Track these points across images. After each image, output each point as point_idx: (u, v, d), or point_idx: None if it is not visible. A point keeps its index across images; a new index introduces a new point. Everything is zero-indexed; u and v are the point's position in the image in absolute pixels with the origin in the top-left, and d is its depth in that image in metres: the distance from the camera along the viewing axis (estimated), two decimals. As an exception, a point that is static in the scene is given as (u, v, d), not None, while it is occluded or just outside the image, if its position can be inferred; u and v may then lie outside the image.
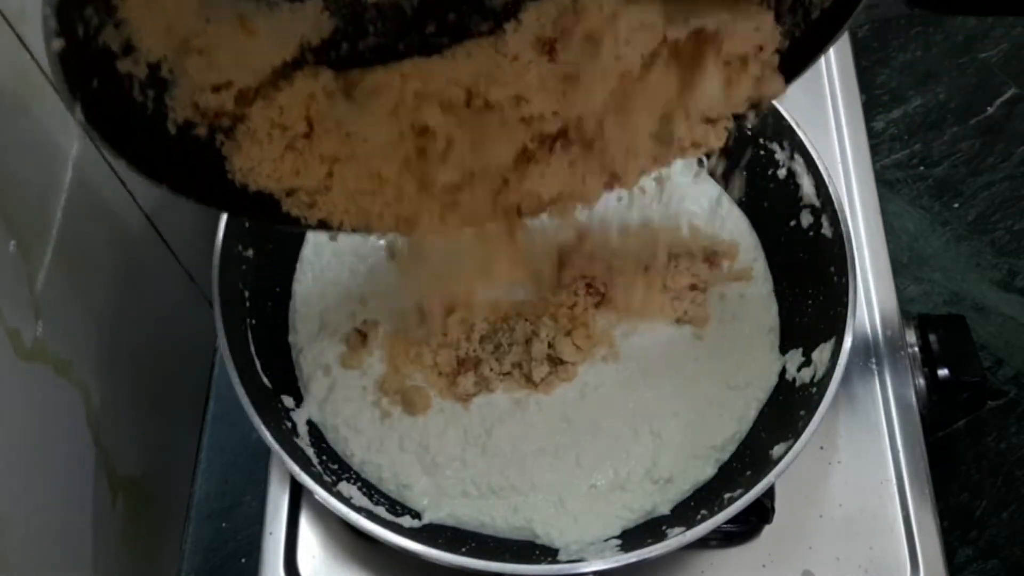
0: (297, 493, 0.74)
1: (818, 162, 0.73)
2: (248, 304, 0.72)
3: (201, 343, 0.89)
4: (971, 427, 1.27)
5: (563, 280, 0.74)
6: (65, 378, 0.69)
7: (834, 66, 0.96)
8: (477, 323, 0.73)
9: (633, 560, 0.60)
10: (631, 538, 0.66)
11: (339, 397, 0.72)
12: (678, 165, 0.74)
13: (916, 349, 0.81)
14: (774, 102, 0.75)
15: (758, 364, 0.74)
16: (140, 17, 0.42)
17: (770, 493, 0.70)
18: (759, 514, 0.70)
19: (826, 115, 0.93)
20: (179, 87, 0.46)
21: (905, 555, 0.73)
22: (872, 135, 1.12)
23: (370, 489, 0.69)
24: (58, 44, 0.40)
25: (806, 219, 0.75)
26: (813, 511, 0.74)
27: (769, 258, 0.80)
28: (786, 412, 0.69)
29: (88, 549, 0.71)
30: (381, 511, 0.66)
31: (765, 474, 0.62)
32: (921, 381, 0.79)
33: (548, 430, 0.71)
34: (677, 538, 0.60)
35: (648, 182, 0.63)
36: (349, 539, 0.72)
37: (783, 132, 0.76)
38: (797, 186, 0.76)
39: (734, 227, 0.80)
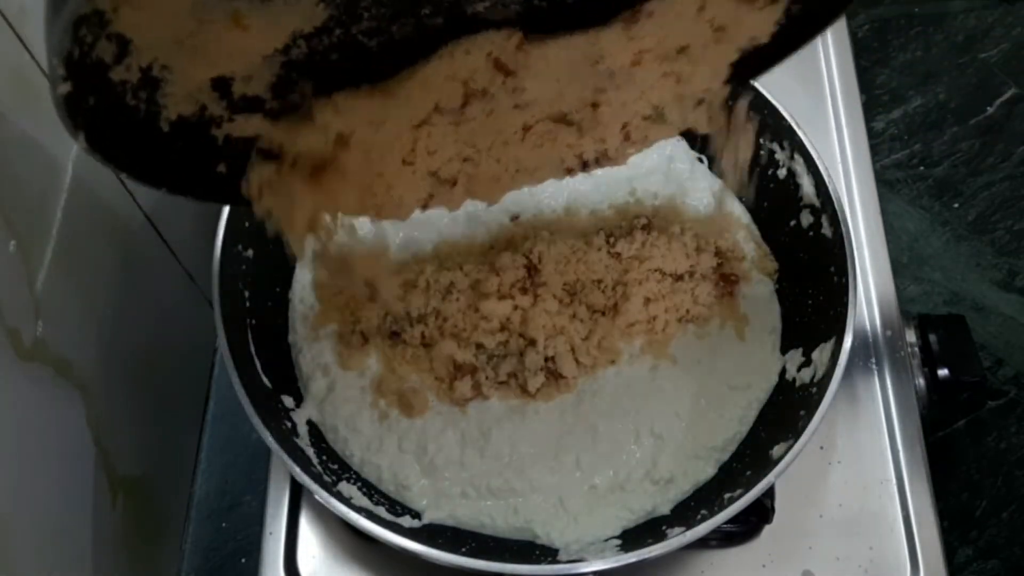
0: (297, 493, 0.74)
1: (818, 162, 0.73)
2: (248, 304, 0.72)
3: (201, 343, 0.89)
4: (971, 427, 1.27)
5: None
6: (65, 378, 0.69)
7: (834, 66, 0.96)
8: (439, 280, 0.73)
9: (633, 560, 0.60)
10: (631, 538, 0.66)
11: (338, 398, 0.72)
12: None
13: (916, 349, 0.81)
14: (774, 102, 0.76)
15: (759, 364, 0.74)
16: (133, 27, 0.42)
17: (770, 493, 0.70)
18: (759, 514, 0.70)
19: (826, 115, 0.94)
20: (170, 84, 0.47)
21: (905, 555, 0.73)
22: (872, 135, 1.12)
23: (370, 489, 0.69)
24: (65, 88, 0.41)
25: (806, 219, 0.75)
26: (813, 511, 0.74)
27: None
28: (786, 412, 0.69)
29: (88, 549, 0.71)
30: (381, 511, 0.66)
31: (765, 474, 0.62)
32: (921, 381, 0.79)
33: (547, 432, 0.71)
34: (677, 538, 0.60)
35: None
36: (349, 539, 0.72)
37: (783, 132, 0.76)
38: (797, 186, 0.76)
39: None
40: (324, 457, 0.70)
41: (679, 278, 0.75)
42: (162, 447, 0.87)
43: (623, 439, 0.70)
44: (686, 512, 0.67)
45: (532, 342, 0.72)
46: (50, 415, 0.67)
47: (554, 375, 0.72)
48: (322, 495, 0.62)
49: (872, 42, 1.56)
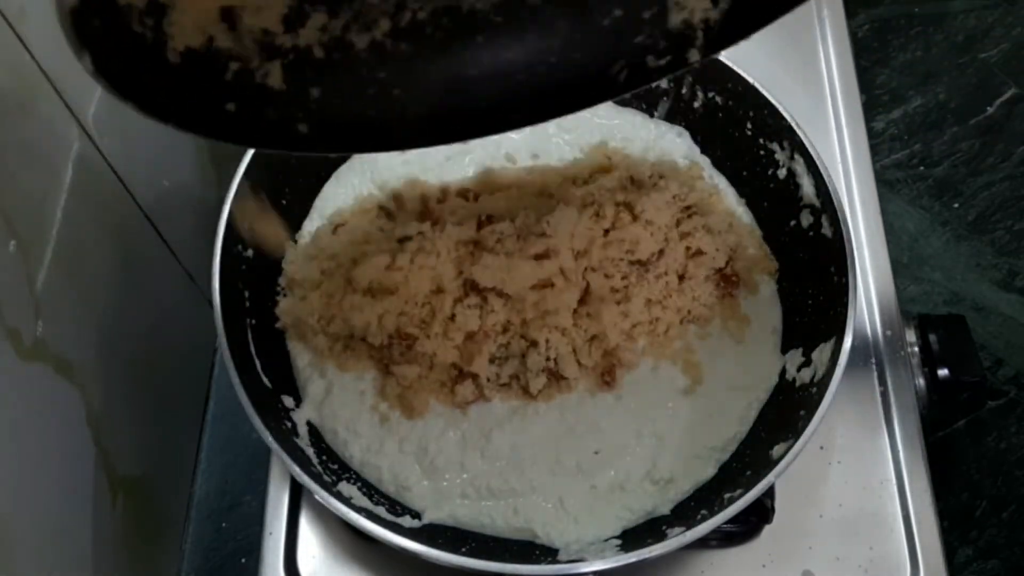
0: (297, 493, 0.74)
1: (818, 162, 0.73)
2: (248, 304, 0.72)
3: (201, 343, 0.89)
4: (971, 427, 1.27)
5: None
6: (65, 378, 0.69)
7: (834, 66, 0.96)
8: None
9: (633, 560, 0.60)
10: (631, 538, 0.66)
11: (337, 400, 0.72)
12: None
13: (916, 349, 0.81)
14: (774, 102, 0.76)
15: (760, 364, 0.74)
16: None
17: (770, 493, 0.70)
18: (759, 514, 0.70)
19: (826, 115, 0.93)
20: (177, 12, 0.46)
21: (905, 555, 0.73)
22: (872, 135, 1.12)
23: (370, 489, 0.69)
24: (72, 1, 0.40)
25: (806, 219, 0.75)
26: (813, 511, 0.74)
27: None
28: (786, 412, 0.69)
29: (88, 549, 0.71)
30: (381, 511, 0.66)
31: (765, 474, 0.62)
32: (921, 381, 0.79)
33: (547, 433, 0.71)
34: (677, 538, 0.60)
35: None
36: (349, 539, 0.72)
37: (783, 132, 0.76)
38: (797, 186, 0.76)
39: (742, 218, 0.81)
40: (324, 457, 0.70)
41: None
42: (162, 447, 0.87)
43: (623, 439, 0.70)
44: (686, 512, 0.67)
45: (534, 343, 0.72)
46: (50, 415, 0.67)
47: (555, 376, 0.72)
48: (322, 495, 0.62)
49: (872, 42, 1.56)
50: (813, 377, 0.69)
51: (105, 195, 0.75)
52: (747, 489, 0.61)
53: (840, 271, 0.69)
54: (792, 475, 0.64)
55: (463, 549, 0.65)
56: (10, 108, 0.62)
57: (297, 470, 0.62)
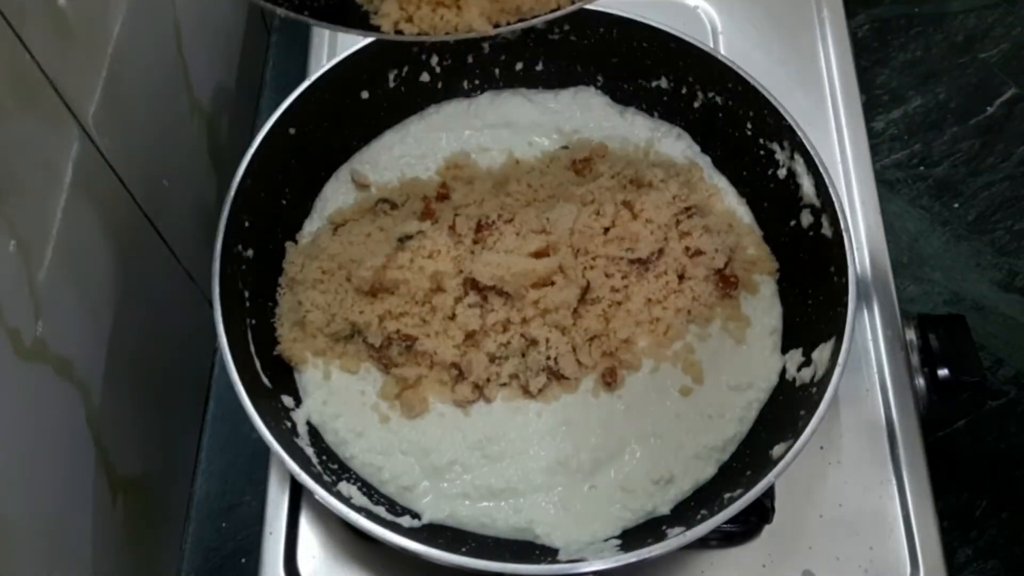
0: (297, 493, 0.74)
1: (818, 162, 0.73)
2: (248, 304, 0.72)
3: (201, 343, 0.89)
4: (971, 427, 1.27)
5: None
6: (65, 378, 0.69)
7: (834, 66, 0.96)
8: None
9: (633, 560, 0.60)
10: (631, 538, 0.66)
11: (337, 400, 0.72)
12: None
13: (916, 349, 0.81)
14: (774, 102, 0.76)
15: (760, 364, 0.74)
16: None
17: (770, 493, 0.70)
18: (759, 514, 0.70)
19: (826, 115, 0.93)
20: None
21: (905, 555, 0.73)
22: (872, 135, 1.12)
23: (370, 489, 0.69)
24: None
25: (806, 219, 0.75)
26: (813, 511, 0.74)
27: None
28: (786, 412, 0.69)
29: (88, 549, 0.71)
30: (381, 511, 0.66)
31: (765, 474, 0.62)
32: (921, 381, 0.79)
33: (548, 433, 0.71)
34: (677, 538, 0.60)
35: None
36: (349, 539, 0.72)
37: (783, 132, 0.76)
38: (797, 186, 0.76)
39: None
40: (324, 457, 0.70)
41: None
42: (162, 447, 0.87)
43: (624, 439, 0.70)
44: (686, 512, 0.67)
45: (534, 342, 0.72)
46: (50, 415, 0.67)
47: (555, 375, 0.72)
48: (322, 495, 0.62)
49: (872, 42, 1.56)
50: (813, 377, 0.69)
51: (105, 195, 0.75)
52: (747, 489, 0.61)
53: (840, 271, 0.69)
54: (792, 475, 0.64)
55: (463, 549, 0.65)
56: (10, 108, 0.62)
57: (297, 470, 0.62)
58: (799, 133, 0.75)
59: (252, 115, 1.02)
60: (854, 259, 0.69)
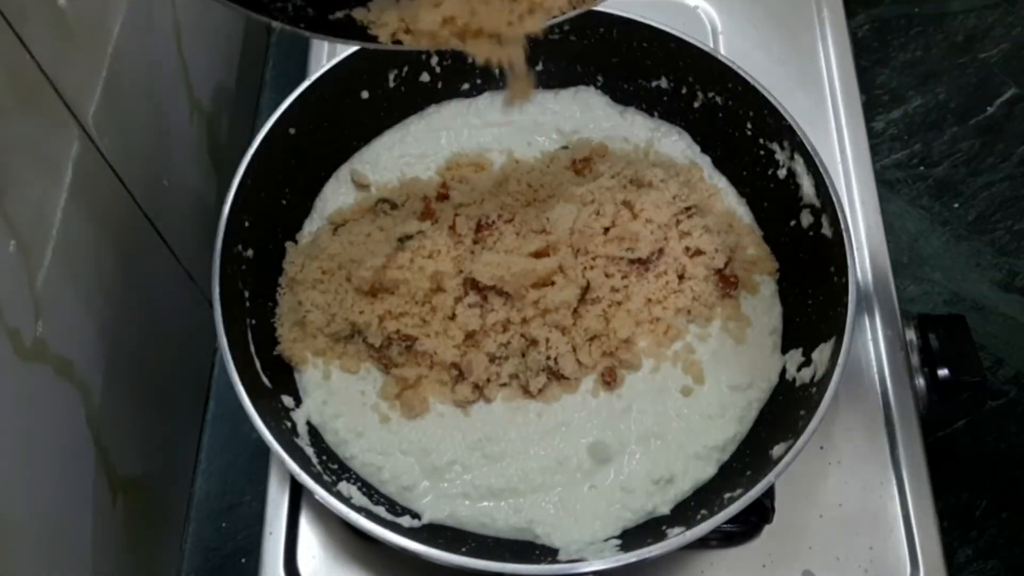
0: (297, 493, 0.74)
1: (818, 162, 0.73)
2: (248, 304, 0.72)
3: (201, 343, 0.89)
4: (971, 427, 1.27)
5: None
6: (65, 378, 0.69)
7: (834, 66, 0.97)
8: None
9: (633, 560, 0.60)
10: (631, 538, 0.66)
11: (337, 400, 0.72)
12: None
13: (916, 349, 0.81)
14: (774, 102, 0.76)
15: (760, 365, 0.74)
16: None
17: (770, 493, 0.70)
18: (759, 514, 0.70)
19: (826, 115, 0.94)
20: None
21: (905, 555, 0.73)
22: (872, 135, 1.12)
23: (370, 489, 0.69)
24: None
25: (806, 219, 0.75)
26: (813, 511, 0.74)
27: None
28: (786, 412, 0.69)
29: (88, 549, 0.71)
30: (381, 511, 0.66)
31: (765, 474, 0.62)
32: (921, 381, 0.79)
33: (548, 433, 0.71)
34: (677, 538, 0.60)
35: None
36: (349, 539, 0.72)
37: (783, 132, 0.76)
38: (797, 186, 0.76)
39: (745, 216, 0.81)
40: (324, 457, 0.70)
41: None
42: (162, 447, 0.87)
43: (624, 439, 0.70)
44: (686, 512, 0.67)
45: (534, 342, 0.72)
46: (50, 415, 0.67)
47: (555, 375, 0.72)
48: (322, 495, 0.62)
49: (872, 42, 1.56)
50: (813, 377, 0.69)
51: (105, 195, 0.75)
52: (747, 489, 0.61)
53: (840, 271, 0.69)
54: (792, 475, 0.64)
55: (463, 549, 0.65)
56: (10, 108, 0.62)
57: (297, 470, 0.62)
58: (799, 133, 0.75)
59: (252, 115, 1.02)
60: (854, 259, 0.69)
